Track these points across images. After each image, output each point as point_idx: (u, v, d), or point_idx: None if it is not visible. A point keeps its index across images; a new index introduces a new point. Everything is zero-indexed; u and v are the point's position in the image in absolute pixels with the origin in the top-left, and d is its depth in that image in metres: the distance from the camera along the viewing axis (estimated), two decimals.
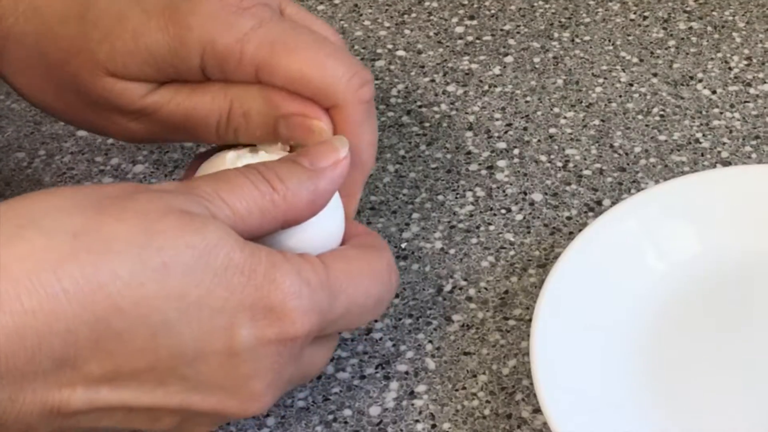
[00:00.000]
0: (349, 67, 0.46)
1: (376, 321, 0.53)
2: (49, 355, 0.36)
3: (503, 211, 0.58)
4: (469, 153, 0.61)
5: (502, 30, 0.69)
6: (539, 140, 0.61)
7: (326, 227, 0.44)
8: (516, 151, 0.61)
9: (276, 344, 0.40)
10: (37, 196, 0.38)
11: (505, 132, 0.62)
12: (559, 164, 0.60)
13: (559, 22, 0.69)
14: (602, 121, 0.62)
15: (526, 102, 0.64)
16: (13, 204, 0.38)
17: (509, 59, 0.67)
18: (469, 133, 0.62)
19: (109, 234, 0.37)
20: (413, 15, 0.70)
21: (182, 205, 0.39)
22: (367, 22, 0.70)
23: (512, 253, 0.56)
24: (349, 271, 0.42)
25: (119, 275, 0.37)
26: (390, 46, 0.68)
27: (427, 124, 0.63)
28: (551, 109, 0.63)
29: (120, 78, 0.47)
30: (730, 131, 0.61)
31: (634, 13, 0.69)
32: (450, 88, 0.65)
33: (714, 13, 0.69)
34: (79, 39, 0.47)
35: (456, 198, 0.59)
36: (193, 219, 0.39)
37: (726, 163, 0.59)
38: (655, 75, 0.65)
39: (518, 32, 0.68)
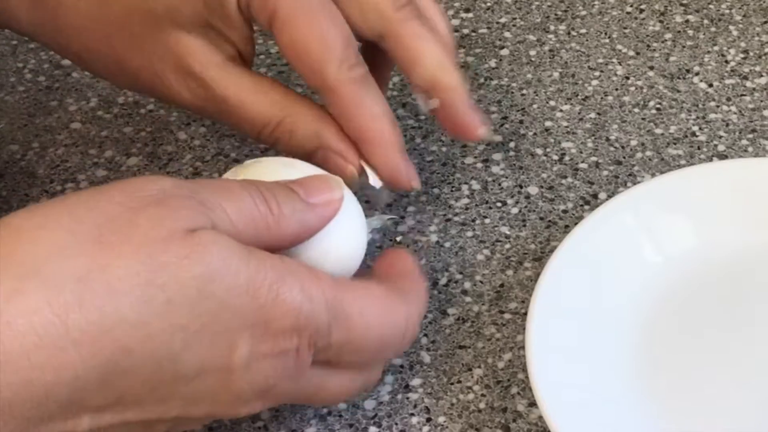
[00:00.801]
0: (347, 48, 0.48)
1: None
2: (56, 401, 0.36)
3: (499, 204, 0.58)
4: (464, 146, 0.61)
5: (497, 23, 0.68)
6: (535, 133, 0.61)
7: (341, 248, 0.44)
8: (512, 144, 0.61)
9: (269, 358, 0.40)
10: (37, 234, 0.37)
11: (501, 125, 0.62)
12: (555, 157, 0.60)
13: (555, 14, 0.69)
14: (598, 114, 0.62)
15: (522, 95, 0.64)
16: (13, 249, 0.37)
17: (505, 52, 0.66)
18: None
19: (112, 275, 0.37)
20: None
21: (184, 222, 0.38)
22: None
23: (508, 246, 0.56)
24: (361, 305, 0.42)
25: (125, 318, 0.37)
26: None
27: (422, 117, 0.63)
28: (547, 102, 0.63)
29: (184, 29, 0.48)
30: (727, 124, 0.61)
31: (631, 6, 0.69)
32: None
33: (710, 6, 0.69)
34: None
35: (451, 191, 0.58)
36: (196, 244, 0.38)
37: (722, 157, 0.59)
38: (651, 68, 0.65)
39: (514, 25, 0.68)
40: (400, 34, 0.50)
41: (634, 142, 0.60)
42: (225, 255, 0.38)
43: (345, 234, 0.44)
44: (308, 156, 0.48)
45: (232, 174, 0.45)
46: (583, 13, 0.69)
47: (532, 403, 0.49)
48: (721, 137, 0.60)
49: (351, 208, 0.45)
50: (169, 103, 0.52)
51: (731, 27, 0.67)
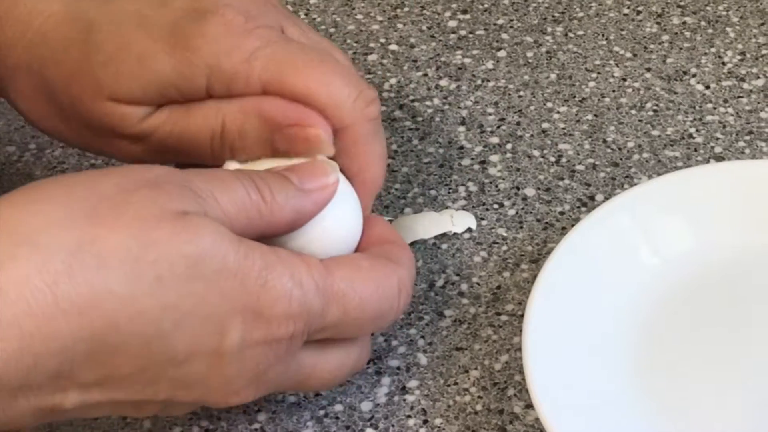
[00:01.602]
0: (355, 86, 0.46)
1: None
2: (44, 372, 0.37)
3: (496, 206, 0.58)
4: (461, 148, 0.61)
5: (495, 24, 0.68)
6: (532, 135, 0.61)
7: (338, 230, 0.44)
8: (509, 146, 0.61)
9: (262, 345, 0.40)
10: (33, 207, 0.38)
11: (498, 127, 0.62)
12: (552, 159, 0.60)
13: (553, 16, 0.69)
14: (595, 116, 0.62)
15: (519, 97, 0.64)
16: (8, 219, 0.37)
17: (502, 54, 0.66)
18: (462, 128, 0.62)
19: (103, 248, 0.37)
20: (406, 9, 0.70)
21: (177, 204, 0.39)
22: (359, 16, 0.70)
23: (505, 248, 0.56)
24: (352, 280, 0.42)
25: (114, 292, 0.37)
26: (382, 40, 0.68)
27: (419, 119, 0.63)
28: (544, 104, 0.63)
29: (121, 102, 0.47)
30: (724, 126, 0.61)
31: (628, 8, 0.69)
32: (443, 83, 0.65)
33: (708, 7, 0.69)
34: (82, 62, 0.47)
35: (448, 193, 0.58)
36: (187, 224, 0.38)
37: (719, 159, 0.59)
38: (648, 70, 0.65)
39: (511, 27, 0.68)
40: (359, 134, 0.47)
41: (631, 144, 0.60)
42: (215, 238, 0.39)
43: (340, 216, 0.44)
44: (272, 148, 0.46)
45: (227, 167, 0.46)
46: (581, 14, 0.69)
47: (529, 405, 0.49)
48: (718, 139, 0.60)
49: (345, 189, 0.45)
50: (124, 161, 0.51)
51: (728, 29, 0.67)
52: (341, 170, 0.45)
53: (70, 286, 0.36)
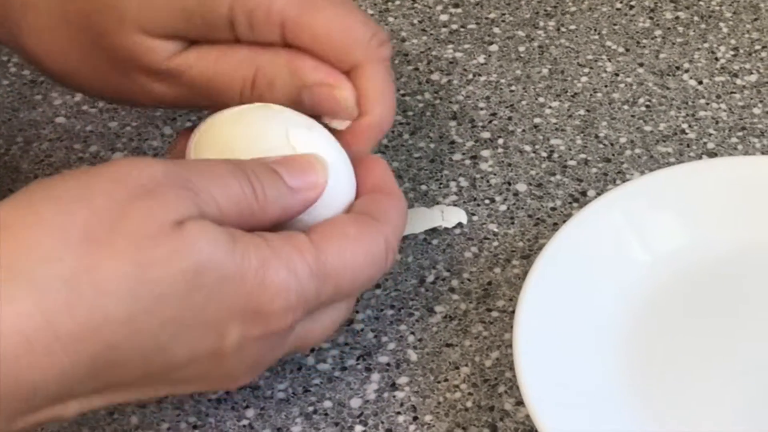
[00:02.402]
0: (370, 26, 0.47)
1: (357, 312, 0.53)
2: (44, 396, 0.37)
3: (487, 201, 0.57)
4: (452, 142, 0.60)
5: (486, 18, 0.68)
6: (524, 130, 0.61)
7: (329, 198, 0.44)
8: (500, 141, 0.60)
9: (261, 340, 0.41)
10: (26, 235, 0.37)
11: (490, 121, 0.61)
12: (544, 154, 0.60)
13: (545, 10, 0.68)
14: (587, 111, 0.62)
15: (511, 91, 0.63)
16: (2, 250, 0.37)
17: (494, 48, 0.66)
18: (453, 123, 0.61)
19: (100, 276, 0.37)
20: (397, 2, 0.69)
21: (173, 213, 0.38)
22: None
23: (496, 243, 0.55)
24: (342, 254, 0.42)
25: (113, 317, 0.37)
26: None
27: (410, 113, 0.62)
28: (536, 99, 0.63)
29: (148, 34, 0.47)
30: (717, 122, 0.61)
31: (621, 2, 0.69)
32: (434, 77, 0.64)
33: (701, 2, 0.68)
34: None
35: (439, 188, 0.58)
36: (184, 237, 0.38)
37: (712, 155, 0.59)
38: (641, 65, 0.64)
39: (503, 21, 0.68)
40: (372, 72, 0.48)
41: (623, 140, 0.60)
42: (212, 247, 0.39)
43: (332, 185, 0.44)
44: (299, 102, 0.47)
45: (207, 131, 0.45)
46: (573, 9, 0.68)
47: (520, 402, 0.49)
48: (710, 135, 0.60)
49: (338, 157, 0.45)
50: (143, 105, 0.51)
51: (721, 24, 0.67)
52: (337, 135, 0.46)
53: (69, 318, 0.36)
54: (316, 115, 0.47)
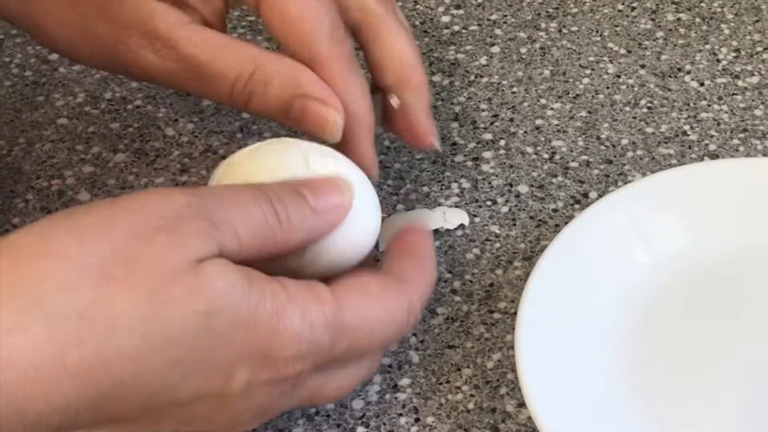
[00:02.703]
0: (334, 21, 0.48)
1: None
2: (47, 426, 0.37)
3: (489, 203, 0.57)
4: (454, 144, 0.60)
5: (488, 20, 0.68)
6: (525, 131, 0.61)
7: (360, 217, 0.44)
8: (502, 143, 0.60)
9: (269, 385, 0.40)
10: (41, 265, 0.37)
11: (491, 123, 0.61)
12: (546, 156, 0.60)
13: (547, 12, 0.68)
14: (589, 112, 0.62)
15: (513, 93, 0.63)
16: (16, 279, 0.36)
17: (496, 49, 0.66)
18: (455, 124, 0.62)
19: (113, 311, 0.37)
20: (399, 3, 0.69)
21: (193, 252, 0.38)
22: None
23: (498, 245, 0.55)
24: (361, 310, 0.42)
25: (123, 354, 0.37)
26: None
27: None
28: (538, 100, 0.63)
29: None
30: (718, 124, 0.61)
31: (622, 4, 0.69)
32: (436, 78, 0.64)
33: (702, 4, 0.68)
34: None
35: (441, 189, 0.58)
36: (201, 278, 0.38)
37: (713, 156, 0.59)
38: (642, 66, 0.64)
39: (505, 22, 0.68)
40: (379, 28, 0.50)
41: (625, 141, 0.60)
42: (228, 290, 0.38)
43: (354, 225, 0.44)
44: (286, 111, 0.47)
45: (226, 169, 0.45)
46: (575, 10, 0.68)
47: (521, 404, 0.49)
48: (712, 136, 0.60)
49: (363, 194, 0.45)
50: (131, 75, 0.50)
51: (723, 25, 0.67)
52: (360, 165, 0.46)
53: (78, 351, 0.36)
54: (298, 130, 0.47)
